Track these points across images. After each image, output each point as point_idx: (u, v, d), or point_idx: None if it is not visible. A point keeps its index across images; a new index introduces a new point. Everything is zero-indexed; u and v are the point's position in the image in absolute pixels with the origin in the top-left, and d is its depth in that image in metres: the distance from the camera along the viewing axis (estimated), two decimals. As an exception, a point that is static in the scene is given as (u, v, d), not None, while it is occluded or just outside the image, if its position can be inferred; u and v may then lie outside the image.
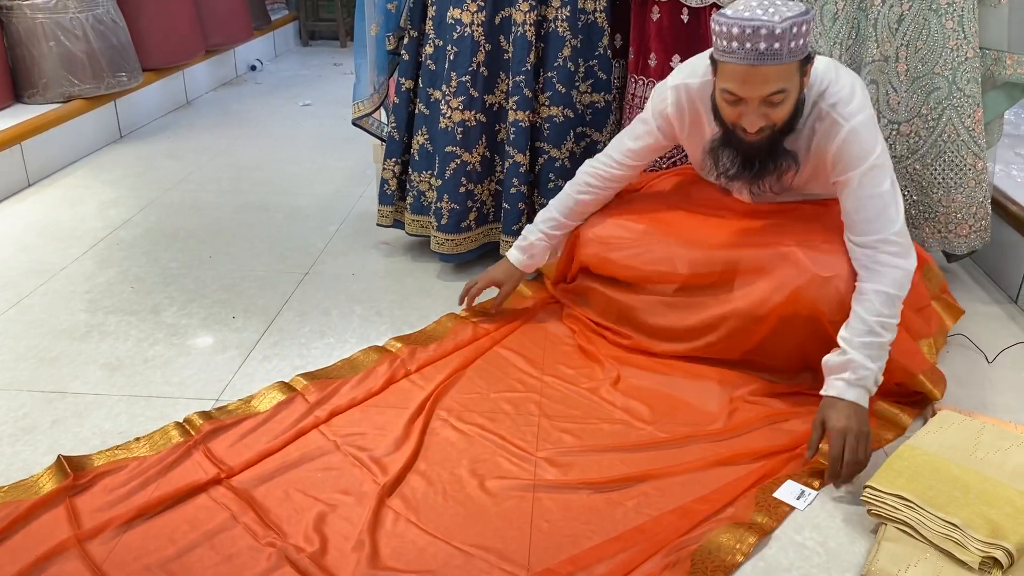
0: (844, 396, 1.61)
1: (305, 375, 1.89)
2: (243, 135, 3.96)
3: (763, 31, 1.53)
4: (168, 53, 4.27)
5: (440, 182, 2.37)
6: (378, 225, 2.59)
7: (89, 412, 1.80)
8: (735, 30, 1.55)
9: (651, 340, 2.01)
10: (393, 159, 2.52)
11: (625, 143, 1.99)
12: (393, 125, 2.50)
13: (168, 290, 2.37)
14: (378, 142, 2.75)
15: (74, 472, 1.56)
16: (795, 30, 1.54)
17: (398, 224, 2.59)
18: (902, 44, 2.17)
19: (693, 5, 2.23)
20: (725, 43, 1.58)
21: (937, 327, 1.99)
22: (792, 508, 1.52)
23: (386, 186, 2.55)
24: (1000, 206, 2.44)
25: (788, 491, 1.56)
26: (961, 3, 2.10)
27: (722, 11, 1.61)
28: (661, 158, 2.32)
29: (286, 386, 1.85)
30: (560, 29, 2.26)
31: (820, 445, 1.61)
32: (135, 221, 2.88)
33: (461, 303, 2.17)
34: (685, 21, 2.26)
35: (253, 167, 3.48)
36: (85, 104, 3.60)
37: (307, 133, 4.01)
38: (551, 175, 2.37)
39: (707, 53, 1.75)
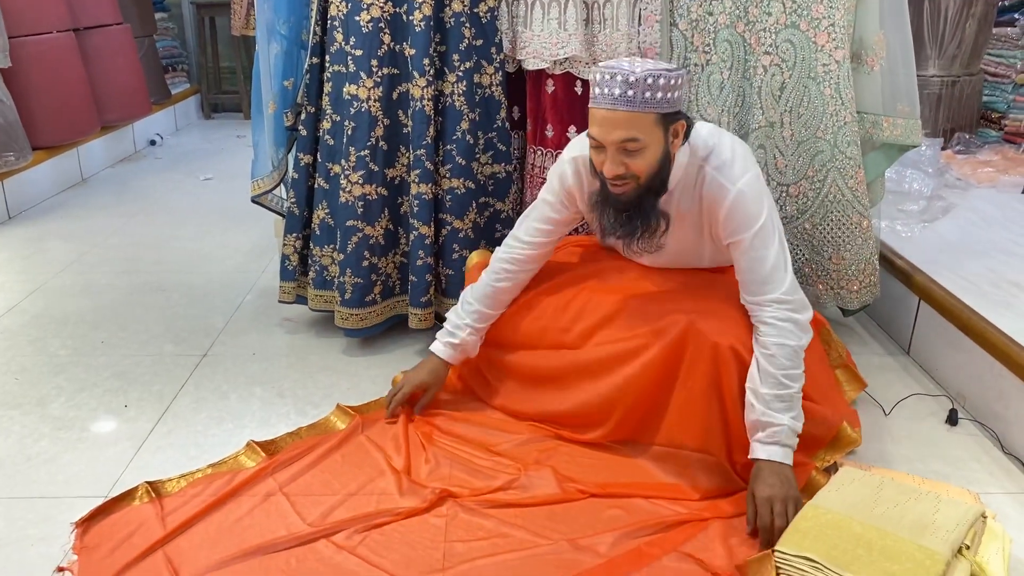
0: (760, 456, 1.65)
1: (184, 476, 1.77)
2: (140, 212, 3.84)
3: (619, 77, 1.60)
4: (60, 131, 4.13)
5: (343, 256, 2.34)
6: (280, 302, 2.53)
7: (-37, 519, 1.68)
8: (598, 76, 1.64)
9: (558, 425, 1.97)
10: (294, 234, 2.48)
11: (532, 224, 1.98)
12: (292, 200, 2.46)
13: (56, 380, 2.25)
14: (280, 217, 2.70)
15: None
16: (650, 81, 1.59)
17: (301, 300, 2.54)
18: (785, 110, 2.27)
19: (586, 77, 2.29)
20: (594, 90, 1.66)
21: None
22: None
23: (287, 262, 2.50)
24: (888, 261, 2.54)
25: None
26: (836, 71, 2.21)
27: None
28: (575, 230, 2.31)
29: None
30: (457, 104, 2.28)
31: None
32: (22, 307, 2.74)
33: (389, 416, 2.00)
34: (579, 93, 2.31)
35: (150, 245, 3.37)
36: (-31, 186, 3.45)
37: (208, 208, 3.91)
38: (455, 246, 2.37)
39: None
